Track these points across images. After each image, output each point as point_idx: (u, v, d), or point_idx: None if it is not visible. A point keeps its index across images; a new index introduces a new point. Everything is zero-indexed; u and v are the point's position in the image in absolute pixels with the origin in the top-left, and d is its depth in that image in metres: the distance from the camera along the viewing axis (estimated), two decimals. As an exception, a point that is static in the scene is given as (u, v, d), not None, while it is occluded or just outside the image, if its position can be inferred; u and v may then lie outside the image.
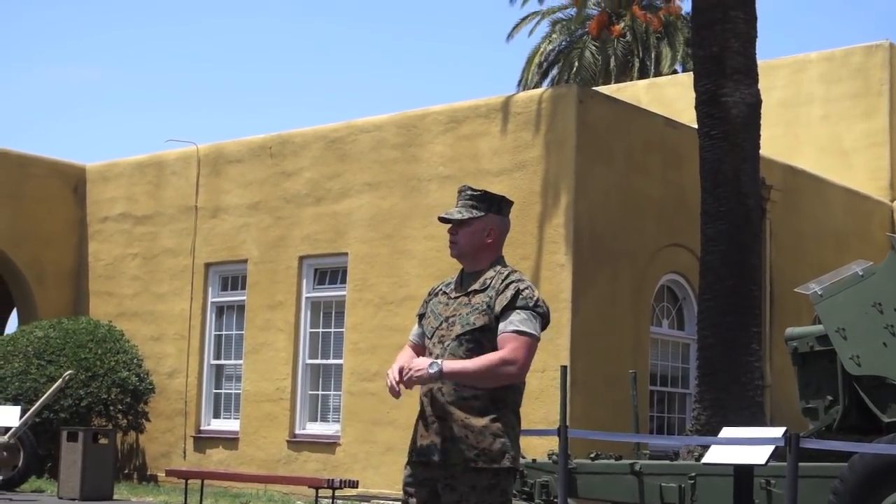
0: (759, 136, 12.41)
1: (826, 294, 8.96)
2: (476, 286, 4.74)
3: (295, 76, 55.95)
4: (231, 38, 54.70)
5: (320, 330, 15.27)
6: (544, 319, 4.67)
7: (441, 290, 4.92)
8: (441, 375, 4.55)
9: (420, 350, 4.89)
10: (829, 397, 9.16)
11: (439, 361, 4.58)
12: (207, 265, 16.36)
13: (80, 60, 54.34)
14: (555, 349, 12.73)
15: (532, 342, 4.59)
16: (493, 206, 4.81)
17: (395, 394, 4.66)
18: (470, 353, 4.62)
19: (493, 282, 4.70)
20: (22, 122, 50.73)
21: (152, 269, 16.97)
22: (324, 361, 15.19)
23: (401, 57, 56.08)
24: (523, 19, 34.44)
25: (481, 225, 4.78)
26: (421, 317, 4.91)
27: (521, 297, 4.62)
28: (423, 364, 4.59)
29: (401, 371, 4.62)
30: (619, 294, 13.60)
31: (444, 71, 56.14)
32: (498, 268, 4.76)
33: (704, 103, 12.32)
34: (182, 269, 16.56)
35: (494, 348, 4.59)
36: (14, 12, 49.61)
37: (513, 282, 4.67)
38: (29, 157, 17.72)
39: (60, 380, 14.12)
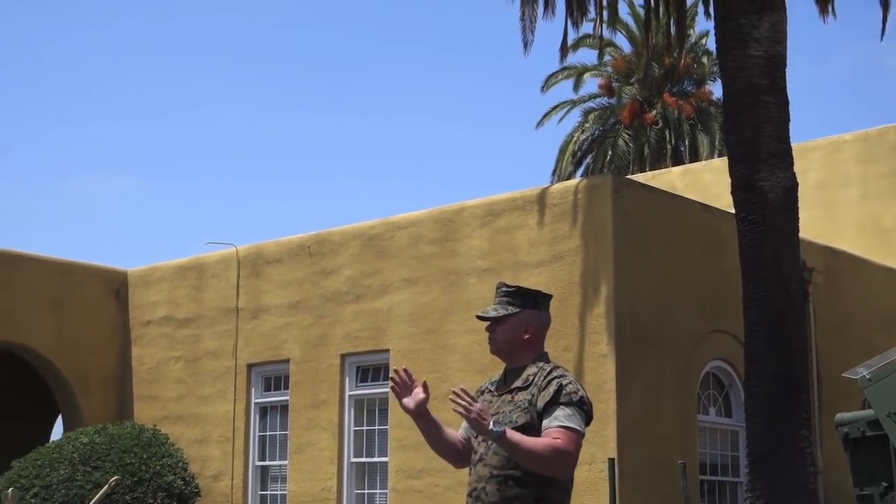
0: (797, 220, 12.36)
1: (874, 378, 8.83)
2: (518, 383, 4.72)
3: (331, 175, 56.49)
4: (263, 138, 55.40)
5: (364, 428, 15.19)
6: (588, 416, 4.63)
7: (486, 387, 4.92)
8: (499, 437, 4.48)
9: (468, 445, 4.87)
10: (884, 483, 8.99)
11: (503, 426, 4.52)
12: (250, 366, 16.38)
13: (115, 171, 55.13)
14: (602, 441, 12.59)
15: (578, 438, 4.55)
16: (529, 301, 4.81)
17: (465, 408, 4.50)
18: None
19: (536, 378, 4.68)
20: (63, 230, 51.37)
21: (195, 371, 17.01)
22: (369, 460, 15.09)
23: (435, 151, 56.55)
24: (554, 108, 34.85)
25: (517, 321, 4.77)
26: (470, 415, 4.91)
27: (564, 392, 4.59)
28: (489, 418, 4.51)
29: (466, 392, 4.53)
30: (664, 383, 13.48)
31: (478, 163, 56.49)
32: (541, 364, 4.74)
33: (740, 188, 12.31)
34: (225, 370, 16.58)
35: None
36: (50, 127, 50.59)
37: (555, 377, 4.64)
38: (71, 264, 17.87)
39: (107, 486, 14.09)
